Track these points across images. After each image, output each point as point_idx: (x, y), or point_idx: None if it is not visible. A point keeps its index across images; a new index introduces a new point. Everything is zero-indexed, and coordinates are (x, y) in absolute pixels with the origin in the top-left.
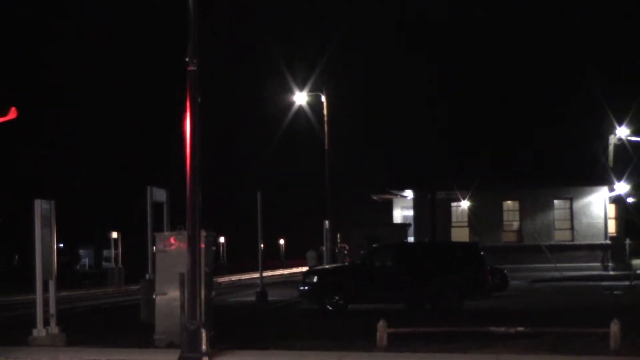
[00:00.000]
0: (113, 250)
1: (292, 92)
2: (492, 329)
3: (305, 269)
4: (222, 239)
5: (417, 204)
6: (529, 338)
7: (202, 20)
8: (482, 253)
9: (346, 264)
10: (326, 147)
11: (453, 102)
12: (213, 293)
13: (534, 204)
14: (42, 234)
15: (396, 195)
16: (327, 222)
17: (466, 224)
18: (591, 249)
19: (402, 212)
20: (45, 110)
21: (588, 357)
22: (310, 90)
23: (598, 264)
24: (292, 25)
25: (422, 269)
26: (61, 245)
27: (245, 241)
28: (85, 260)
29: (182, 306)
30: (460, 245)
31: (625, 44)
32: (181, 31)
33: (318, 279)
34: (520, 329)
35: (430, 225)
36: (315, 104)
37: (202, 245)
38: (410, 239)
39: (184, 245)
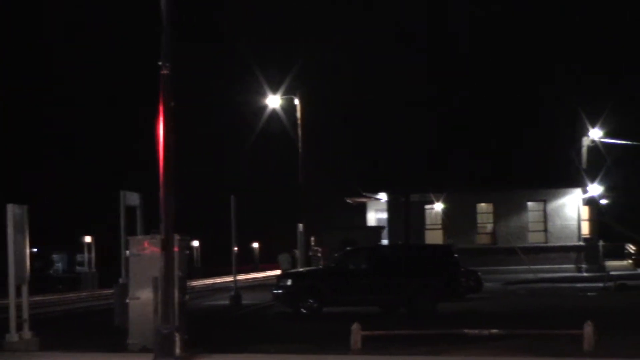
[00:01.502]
0: (87, 255)
1: (265, 95)
2: (467, 331)
3: (279, 272)
4: (195, 243)
5: (391, 207)
6: (503, 340)
7: (176, 23)
8: (456, 255)
9: (320, 267)
10: (300, 150)
11: (427, 106)
12: (187, 297)
13: (508, 206)
14: (15, 239)
15: (370, 198)
16: (301, 225)
17: (440, 226)
18: (565, 251)
19: (376, 215)
20: (17, 114)
21: (562, 358)
22: (285, 93)
23: (572, 266)
24: (271, 26)
25: (396, 272)
26: (34, 249)
27: (219, 245)
28: (59, 265)
29: (155, 310)
30: (434, 247)
31: (598, 47)
32: (156, 34)
33: (292, 282)
34: (494, 331)
35: (404, 227)
36: (289, 107)
37: (176, 249)
38: (385, 242)
39: (157, 250)
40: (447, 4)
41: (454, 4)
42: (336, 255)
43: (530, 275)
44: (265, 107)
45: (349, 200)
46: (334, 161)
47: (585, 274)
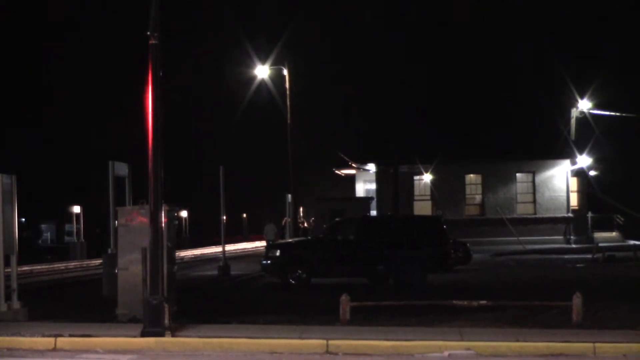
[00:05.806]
0: (75, 225)
1: (254, 66)
2: (455, 302)
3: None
4: (184, 213)
5: (380, 178)
6: (491, 311)
7: None
8: (444, 227)
9: (309, 238)
10: (288, 121)
11: (416, 77)
12: (175, 267)
13: (497, 178)
14: (4, 208)
15: (359, 168)
16: (289, 195)
17: (429, 197)
18: (553, 222)
19: (364, 186)
20: (2, 83)
21: (551, 330)
22: (274, 64)
23: (560, 237)
24: None
25: (384, 243)
26: (23, 219)
27: (208, 215)
28: (47, 235)
29: (144, 281)
30: (423, 219)
31: (587, 17)
32: (144, 4)
33: (281, 252)
34: (483, 302)
35: (393, 198)
36: (278, 78)
37: (165, 220)
38: (373, 213)
39: (146, 220)
40: None
41: None
42: (325, 226)
43: (519, 247)
44: (254, 77)
45: (337, 171)
46: (322, 132)
47: (573, 246)
